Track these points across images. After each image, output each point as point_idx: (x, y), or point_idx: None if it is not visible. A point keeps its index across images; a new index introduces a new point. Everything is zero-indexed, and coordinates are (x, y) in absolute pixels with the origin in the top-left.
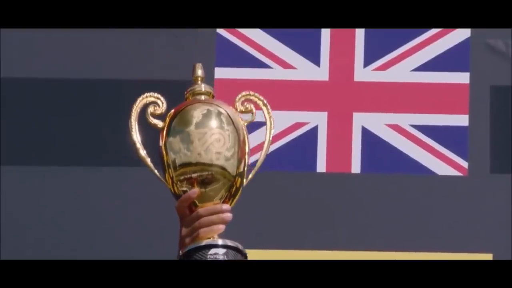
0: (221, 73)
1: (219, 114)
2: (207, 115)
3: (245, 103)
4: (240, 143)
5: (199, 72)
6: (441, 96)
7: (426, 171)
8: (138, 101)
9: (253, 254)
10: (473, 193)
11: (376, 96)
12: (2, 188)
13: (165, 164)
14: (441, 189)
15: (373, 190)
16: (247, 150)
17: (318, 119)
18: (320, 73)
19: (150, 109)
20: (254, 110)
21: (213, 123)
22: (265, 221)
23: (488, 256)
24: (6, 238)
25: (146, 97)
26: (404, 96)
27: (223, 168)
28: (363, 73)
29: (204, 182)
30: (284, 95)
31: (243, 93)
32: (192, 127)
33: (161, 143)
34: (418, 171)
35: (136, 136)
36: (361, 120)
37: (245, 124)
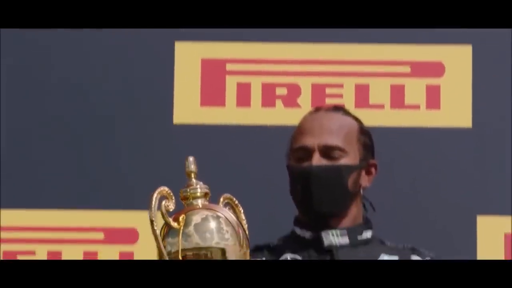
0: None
1: (217, 217)
2: (206, 219)
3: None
4: (241, 242)
5: (192, 167)
6: None
7: None
8: (155, 194)
9: None
10: None
11: None
12: None
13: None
14: None
15: None
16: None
17: None
18: None
19: (164, 206)
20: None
21: (212, 224)
22: None
23: None
24: None
25: (161, 191)
26: None
27: (223, 250)
28: None
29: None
30: None
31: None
32: (191, 228)
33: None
34: None
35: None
36: None
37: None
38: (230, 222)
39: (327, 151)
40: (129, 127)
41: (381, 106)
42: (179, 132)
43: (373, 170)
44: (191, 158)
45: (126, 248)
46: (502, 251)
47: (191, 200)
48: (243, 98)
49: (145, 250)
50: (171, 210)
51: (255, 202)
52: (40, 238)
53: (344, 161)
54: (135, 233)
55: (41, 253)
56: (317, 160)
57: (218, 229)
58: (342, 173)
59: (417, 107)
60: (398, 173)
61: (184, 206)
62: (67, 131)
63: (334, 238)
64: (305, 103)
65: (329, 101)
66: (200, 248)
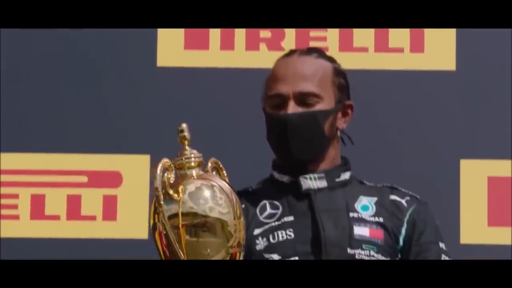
0: None
1: (211, 186)
2: (200, 188)
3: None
4: (234, 209)
5: (186, 134)
6: None
7: None
8: (159, 167)
9: None
10: None
11: None
12: None
13: (156, 225)
14: None
15: None
16: (242, 219)
17: None
18: None
19: (167, 178)
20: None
21: (206, 193)
22: None
23: None
24: None
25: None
26: None
27: (218, 219)
28: None
29: (195, 229)
30: None
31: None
32: (186, 196)
33: (153, 217)
34: None
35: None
36: None
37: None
38: (224, 191)
39: (302, 98)
40: (113, 70)
41: (365, 49)
42: (163, 75)
43: (349, 111)
44: (184, 125)
45: (109, 191)
46: (485, 195)
47: (185, 170)
48: (227, 41)
49: (128, 193)
50: (172, 181)
51: (238, 144)
52: (23, 182)
53: (319, 106)
54: (119, 177)
55: (24, 197)
56: (293, 108)
57: (212, 197)
58: (318, 119)
59: (401, 50)
60: (382, 117)
61: (177, 175)
62: (51, 75)
63: (312, 181)
64: (289, 47)
65: (313, 44)
66: (195, 214)
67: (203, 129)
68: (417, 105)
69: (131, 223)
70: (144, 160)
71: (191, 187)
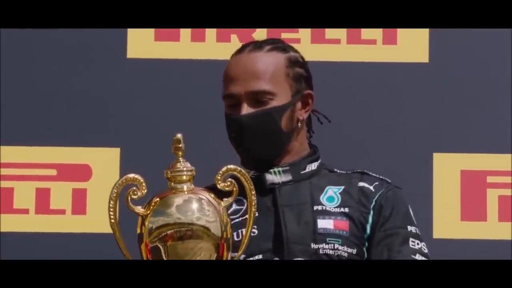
0: None
1: (199, 199)
2: (188, 201)
3: (227, 180)
4: (221, 221)
5: (180, 145)
6: None
7: None
8: (118, 183)
9: None
10: None
11: None
12: None
13: (141, 236)
14: None
15: None
16: (229, 230)
17: None
18: None
19: (130, 194)
20: (236, 188)
21: (194, 205)
22: None
23: None
24: None
25: (126, 179)
26: None
27: (205, 227)
28: None
29: (181, 238)
30: None
31: (225, 168)
32: (173, 209)
33: (140, 228)
34: None
35: (115, 219)
36: None
37: (225, 206)
38: (211, 203)
39: (254, 97)
40: (82, 61)
41: (337, 41)
42: (133, 66)
43: (309, 101)
44: (179, 135)
45: (79, 185)
46: (458, 189)
47: (176, 184)
48: (198, 33)
49: (98, 187)
50: (137, 197)
51: (208, 137)
52: None
53: (273, 103)
54: (89, 170)
55: None
56: (245, 109)
57: (200, 209)
58: (272, 116)
59: (373, 42)
60: (354, 109)
61: (168, 186)
62: (18, 67)
63: (276, 176)
64: (261, 38)
65: (285, 36)
66: (182, 224)
67: (174, 121)
68: (390, 97)
69: (101, 217)
70: (114, 153)
71: (178, 200)
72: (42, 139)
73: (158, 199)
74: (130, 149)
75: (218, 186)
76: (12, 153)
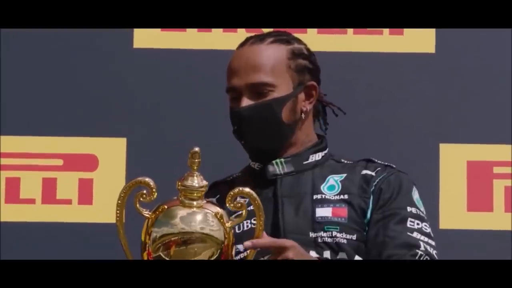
0: None
1: (205, 213)
2: (192, 214)
3: (237, 202)
4: (225, 227)
5: (196, 160)
6: None
7: None
8: (128, 185)
9: None
10: None
11: None
12: None
13: (145, 245)
14: None
15: None
16: (232, 248)
17: None
18: None
19: (139, 197)
20: (246, 210)
21: (198, 217)
22: None
23: None
24: None
25: (136, 182)
26: None
27: (208, 235)
28: None
29: (185, 243)
30: None
31: (237, 190)
32: (177, 219)
33: (144, 236)
34: None
35: (121, 219)
36: None
37: (231, 226)
38: (216, 216)
39: (255, 90)
40: (89, 51)
41: (344, 32)
42: (139, 56)
43: (313, 92)
44: (197, 149)
45: (85, 175)
46: (464, 180)
47: (186, 199)
48: None
49: (104, 177)
50: (146, 201)
51: (216, 128)
52: None
53: (274, 95)
54: (95, 160)
55: None
56: (245, 101)
57: (204, 220)
58: (273, 108)
59: (380, 32)
60: (361, 100)
61: (178, 194)
62: (25, 58)
63: (278, 167)
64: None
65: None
66: (185, 232)
67: (180, 111)
68: (396, 88)
69: (107, 207)
70: (120, 143)
71: (182, 213)
72: (48, 129)
73: (165, 206)
74: (136, 139)
75: (228, 206)
76: (19, 143)
